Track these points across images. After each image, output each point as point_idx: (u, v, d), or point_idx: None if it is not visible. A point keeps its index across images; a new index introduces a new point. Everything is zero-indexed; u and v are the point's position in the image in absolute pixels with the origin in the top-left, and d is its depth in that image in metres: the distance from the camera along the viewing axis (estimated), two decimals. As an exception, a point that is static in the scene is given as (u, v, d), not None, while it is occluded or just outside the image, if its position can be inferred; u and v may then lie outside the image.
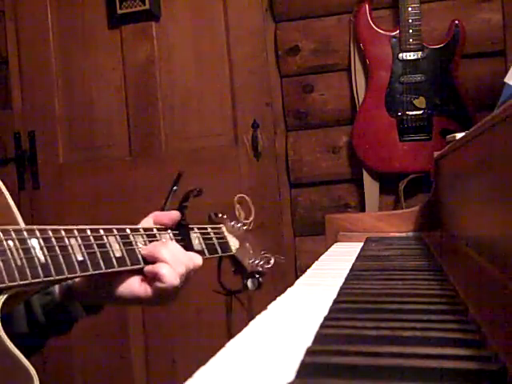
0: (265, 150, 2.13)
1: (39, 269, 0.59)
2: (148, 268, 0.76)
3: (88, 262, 0.66)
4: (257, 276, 1.01)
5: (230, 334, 0.54)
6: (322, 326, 0.49)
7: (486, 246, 0.68)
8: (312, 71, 2.10)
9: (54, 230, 0.63)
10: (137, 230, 0.78)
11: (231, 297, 1.02)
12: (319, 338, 0.46)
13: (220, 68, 2.17)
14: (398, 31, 1.91)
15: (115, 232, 0.73)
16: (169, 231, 0.84)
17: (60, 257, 0.62)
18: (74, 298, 0.80)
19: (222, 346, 0.45)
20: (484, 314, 0.48)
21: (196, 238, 0.88)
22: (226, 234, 0.98)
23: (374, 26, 1.95)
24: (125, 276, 0.76)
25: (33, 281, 0.58)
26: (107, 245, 0.70)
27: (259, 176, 2.13)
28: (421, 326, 0.48)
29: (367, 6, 1.96)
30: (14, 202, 0.64)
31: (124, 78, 2.24)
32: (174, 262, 0.77)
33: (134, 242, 0.75)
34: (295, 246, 2.12)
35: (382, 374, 0.38)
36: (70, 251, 0.64)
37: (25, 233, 0.59)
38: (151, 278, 0.76)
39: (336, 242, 1.24)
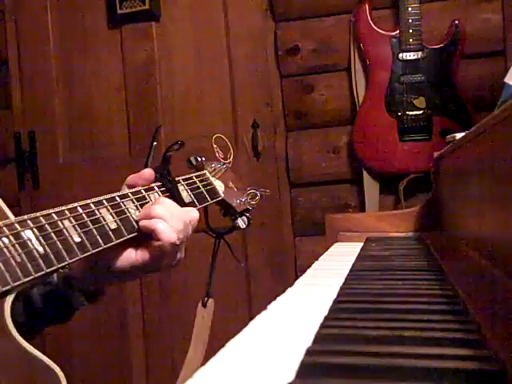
0: (265, 150, 2.13)
1: (40, 261, 0.56)
2: (143, 223, 0.72)
3: (86, 242, 0.62)
4: (246, 214, 0.98)
5: (230, 335, 0.54)
6: (322, 326, 0.49)
7: (486, 246, 0.68)
8: (312, 71, 2.09)
9: (45, 216, 0.59)
10: (125, 195, 0.75)
11: (219, 240, 0.97)
12: (319, 338, 0.46)
13: (220, 68, 2.17)
14: (398, 31, 1.91)
15: (105, 203, 0.69)
16: (155, 188, 0.80)
17: (58, 243, 0.59)
18: (73, 285, 0.77)
19: (221, 345, 0.45)
20: (484, 314, 0.48)
21: (184, 191, 0.84)
22: (211, 178, 0.93)
23: (374, 26, 1.95)
24: (120, 249, 0.73)
25: (36, 275, 0.55)
26: (101, 219, 0.67)
27: (259, 176, 2.13)
28: (421, 326, 0.48)
29: (367, 6, 1.96)
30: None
31: (124, 78, 2.24)
32: (169, 217, 0.73)
33: (125, 210, 0.72)
34: (295, 246, 2.12)
35: (382, 374, 0.38)
36: (66, 234, 0.60)
37: (17, 225, 0.56)
38: (148, 241, 0.73)
39: (336, 241, 1.24)
